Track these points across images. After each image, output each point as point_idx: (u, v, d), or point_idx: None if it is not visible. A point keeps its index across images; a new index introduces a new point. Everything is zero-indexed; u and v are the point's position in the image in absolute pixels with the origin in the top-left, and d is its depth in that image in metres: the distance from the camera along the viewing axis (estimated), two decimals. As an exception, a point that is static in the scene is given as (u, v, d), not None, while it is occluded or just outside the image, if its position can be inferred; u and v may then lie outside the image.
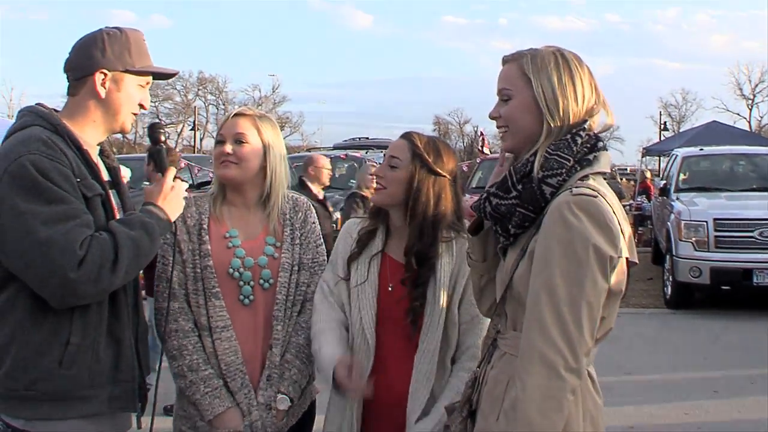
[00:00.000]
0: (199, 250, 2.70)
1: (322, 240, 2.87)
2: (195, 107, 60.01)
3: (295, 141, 53.01)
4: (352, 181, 15.20)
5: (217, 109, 59.13)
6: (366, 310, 2.62)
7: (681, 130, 46.06)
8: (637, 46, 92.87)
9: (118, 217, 2.43)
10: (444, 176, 2.65)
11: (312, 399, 2.87)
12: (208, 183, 17.46)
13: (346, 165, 16.19)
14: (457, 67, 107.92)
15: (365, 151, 17.37)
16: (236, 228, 2.78)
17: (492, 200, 2.11)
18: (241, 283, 2.71)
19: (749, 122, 57.18)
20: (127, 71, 2.44)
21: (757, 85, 58.90)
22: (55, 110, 2.44)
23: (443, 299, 2.58)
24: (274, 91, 59.67)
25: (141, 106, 2.50)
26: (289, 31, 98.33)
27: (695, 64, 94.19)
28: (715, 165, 13.02)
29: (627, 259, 2.00)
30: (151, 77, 2.51)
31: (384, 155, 2.70)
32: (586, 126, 2.07)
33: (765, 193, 11.02)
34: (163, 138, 2.75)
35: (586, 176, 2.03)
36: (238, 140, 2.73)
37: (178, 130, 59.54)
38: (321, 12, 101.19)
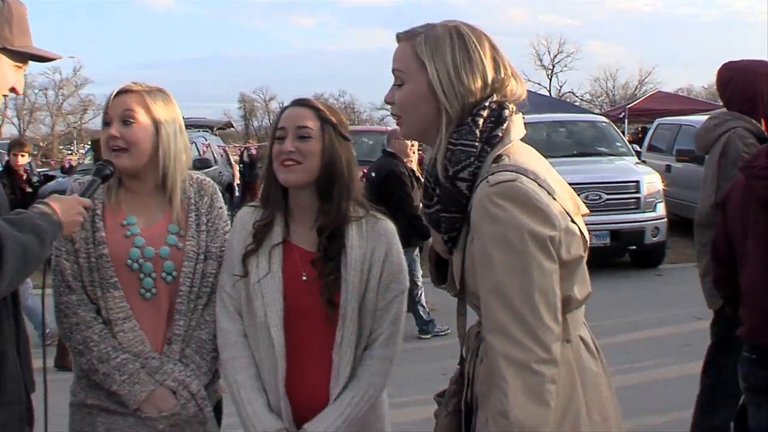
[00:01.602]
0: (93, 238, 2.49)
1: (229, 226, 2.67)
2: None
3: (100, 124, 50.63)
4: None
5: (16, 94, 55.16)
6: (271, 307, 2.39)
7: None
8: (439, 20, 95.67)
9: None
10: (350, 140, 2.51)
11: (218, 398, 2.68)
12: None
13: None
14: (261, 45, 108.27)
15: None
16: (134, 215, 2.57)
17: (426, 211, 2.04)
18: (141, 275, 2.51)
19: (549, 91, 60.60)
20: (4, 49, 2.15)
21: (555, 56, 62.67)
22: None
23: (357, 284, 2.40)
24: (75, 74, 55.65)
25: (13, 90, 2.22)
26: (88, 11, 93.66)
27: (496, 37, 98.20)
28: (535, 133, 13.54)
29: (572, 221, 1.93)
30: (30, 60, 2.24)
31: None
32: (486, 103, 1.97)
33: (586, 158, 11.71)
34: (107, 174, 2.49)
35: (500, 156, 1.93)
36: (126, 120, 2.51)
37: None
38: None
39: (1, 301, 2.11)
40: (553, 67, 63.17)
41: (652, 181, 10.63)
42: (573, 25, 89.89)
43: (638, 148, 15.49)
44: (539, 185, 1.87)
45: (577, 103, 50.44)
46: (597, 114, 22.88)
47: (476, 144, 1.92)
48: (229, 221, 2.69)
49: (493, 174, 1.87)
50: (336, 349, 2.39)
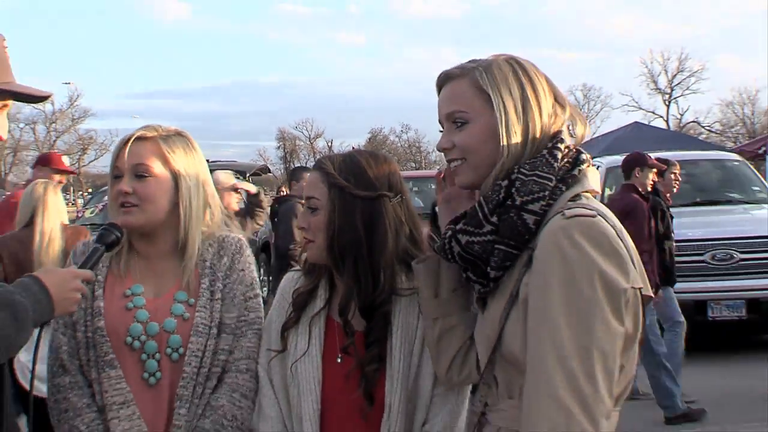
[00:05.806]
0: (91, 309, 2.58)
1: (254, 291, 2.74)
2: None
3: (104, 166, 49.47)
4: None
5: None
6: (306, 395, 2.50)
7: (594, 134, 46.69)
8: (522, 34, 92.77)
9: None
10: (374, 196, 2.51)
11: None
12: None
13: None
14: (302, 68, 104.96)
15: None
16: (143, 283, 2.66)
17: (461, 238, 2.10)
18: (144, 356, 2.58)
19: (667, 121, 58.20)
20: None
21: (674, 76, 59.73)
22: None
23: (405, 372, 2.45)
24: (72, 104, 54.42)
25: None
26: (87, 27, 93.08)
27: (595, 53, 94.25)
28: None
29: (641, 291, 1.99)
30: (11, 99, 2.31)
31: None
32: (563, 137, 2.13)
33: (713, 207, 11.15)
34: (112, 241, 2.54)
35: (577, 195, 2.07)
36: (139, 174, 2.60)
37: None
38: (124, 3, 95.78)
39: None
40: (672, 90, 60.35)
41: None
42: (696, 35, 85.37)
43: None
44: (617, 234, 1.97)
45: (702, 136, 49.19)
46: (728, 150, 21.88)
47: (552, 178, 2.06)
48: (256, 287, 2.74)
49: (569, 208, 1.99)
50: None
